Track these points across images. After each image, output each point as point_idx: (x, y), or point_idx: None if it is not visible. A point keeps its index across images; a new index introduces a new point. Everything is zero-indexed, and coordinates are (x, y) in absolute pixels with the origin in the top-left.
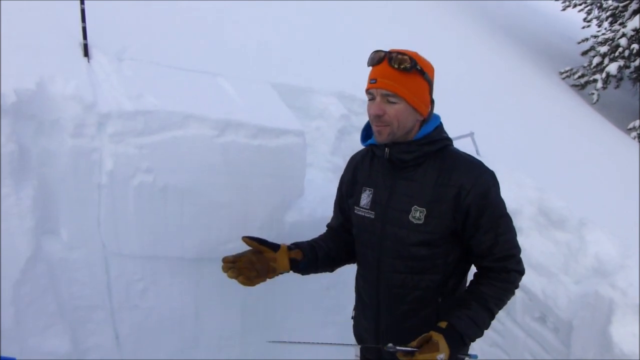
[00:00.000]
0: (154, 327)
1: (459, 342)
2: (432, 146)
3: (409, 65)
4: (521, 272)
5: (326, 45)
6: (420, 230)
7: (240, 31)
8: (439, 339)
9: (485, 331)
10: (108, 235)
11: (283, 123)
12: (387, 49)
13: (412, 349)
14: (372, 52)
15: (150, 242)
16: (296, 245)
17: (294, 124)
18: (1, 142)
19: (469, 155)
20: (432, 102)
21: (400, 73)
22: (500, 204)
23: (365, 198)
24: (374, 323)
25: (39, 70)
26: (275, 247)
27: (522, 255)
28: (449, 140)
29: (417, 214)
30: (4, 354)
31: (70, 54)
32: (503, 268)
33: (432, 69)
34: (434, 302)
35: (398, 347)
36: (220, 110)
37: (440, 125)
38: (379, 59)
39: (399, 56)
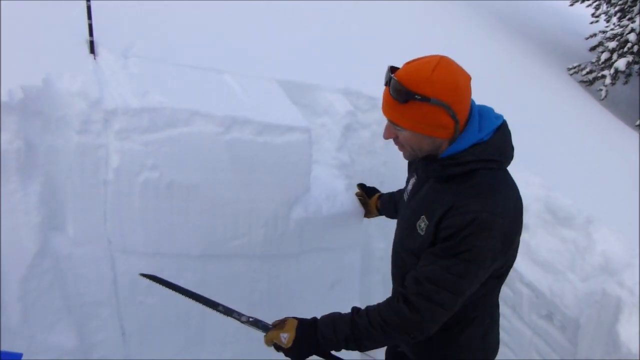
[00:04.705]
0: (159, 324)
1: (313, 336)
2: (458, 168)
3: (402, 98)
4: (415, 311)
5: (332, 41)
6: (415, 241)
7: (245, 28)
8: (290, 322)
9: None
10: (114, 232)
11: (289, 120)
12: (415, 53)
13: (268, 325)
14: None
15: (156, 239)
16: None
17: (299, 120)
18: (8, 139)
19: (497, 187)
20: (456, 122)
21: (398, 104)
22: (472, 249)
23: (410, 183)
24: None
25: (45, 67)
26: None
27: (528, 253)
28: (484, 163)
29: (422, 225)
30: (12, 350)
31: (76, 51)
32: (402, 290)
33: (446, 87)
34: (399, 290)
35: (250, 318)
36: (226, 107)
37: (479, 144)
38: (386, 82)
39: (397, 85)
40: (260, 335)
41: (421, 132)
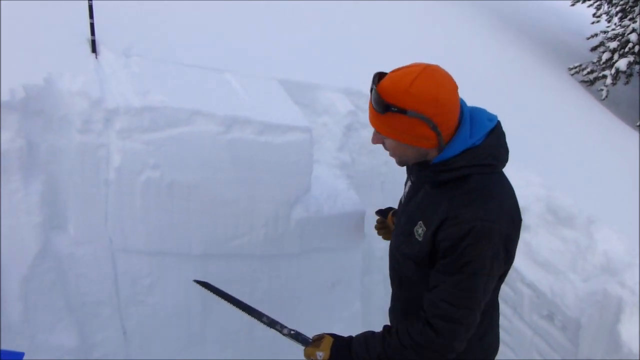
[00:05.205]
0: (160, 323)
1: (347, 355)
2: (450, 173)
3: (380, 109)
4: (438, 333)
5: (332, 41)
6: (413, 247)
7: (246, 28)
8: (326, 340)
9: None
10: (115, 231)
11: (290, 119)
12: (409, 59)
13: (308, 339)
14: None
15: (157, 238)
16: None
17: (300, 120)
18: (9, 138)
19: (491, 193)
20: (437, 133)
21: (379, 114)
22: (474, 260)
23: (407, 186)
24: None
25: (47, 66)
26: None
27: (529, 253)
28: (477, 168)
29: (420, 231)
30: (13, 349)
31: (78, 50)
32: (423, 314)
33: (425, 100)
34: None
35: (292, 331)
36: (227, 106)
37: (471, 149)
38: (370, 89)
39: (375, 96)
40: (260, 335)
41: (403, 142)
